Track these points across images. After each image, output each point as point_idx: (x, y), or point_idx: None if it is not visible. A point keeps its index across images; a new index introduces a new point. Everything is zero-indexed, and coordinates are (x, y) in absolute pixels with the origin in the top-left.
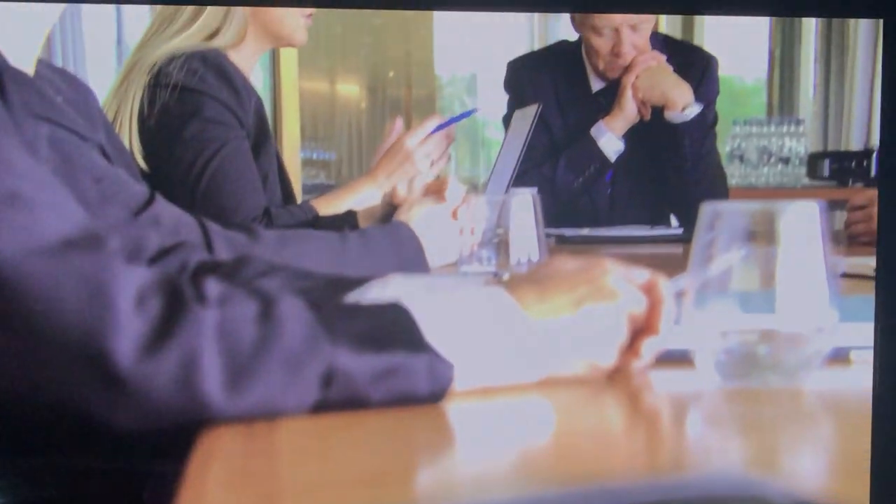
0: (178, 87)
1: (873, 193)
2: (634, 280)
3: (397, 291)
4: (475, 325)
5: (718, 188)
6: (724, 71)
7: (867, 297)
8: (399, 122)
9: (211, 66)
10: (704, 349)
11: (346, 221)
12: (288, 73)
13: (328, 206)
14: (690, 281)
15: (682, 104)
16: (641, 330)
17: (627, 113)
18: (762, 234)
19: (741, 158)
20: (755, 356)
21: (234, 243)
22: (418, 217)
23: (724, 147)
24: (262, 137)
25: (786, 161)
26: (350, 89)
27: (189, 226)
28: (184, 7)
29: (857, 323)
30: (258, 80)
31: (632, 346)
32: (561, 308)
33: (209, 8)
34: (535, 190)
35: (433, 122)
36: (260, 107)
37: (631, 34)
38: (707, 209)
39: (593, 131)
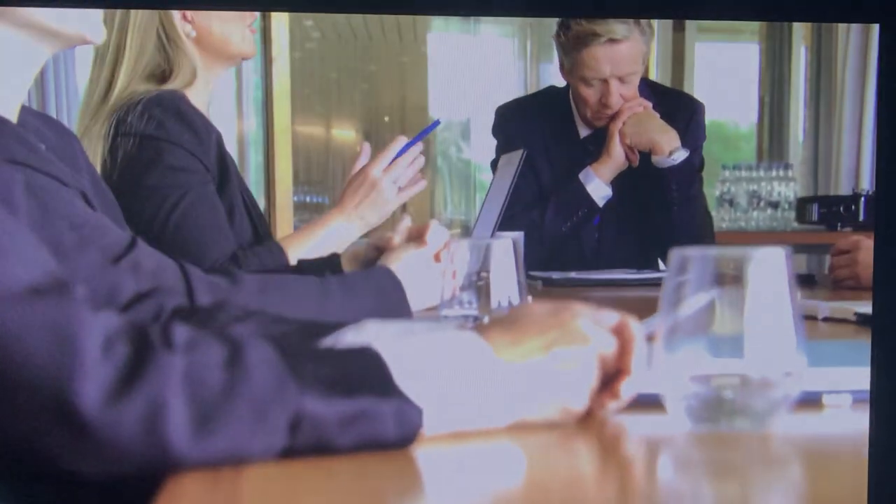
0: (138, 135)
1: (858, 238)
2: (604, 323)
3: (371, 336)
4: (447, 370)
5: (705, 232)
6: (717, 116)
7: (844, 342)
8: (367, 148)
9: (168, 110)
10: (674, 393)
11: (330, 264)
12: (281, 117)
13: (300, 243)
14: (660, 324)
15: (669, 149)
16: (612, 372)
17: (615, 159)
18: (731, 279)
19: (731, 202)
20: (724, 401)
21: (214, 288)
22: (400, 261)
23: (713, 191)
24: (225, 171)
25: (775, 205)
26: (345, 134)
27: (170, 271)
28: (109, 54)
29: (831, 367)
30: (252, 124)
31: (603, 389)
32: (532, 352)
33: (130, 52)
34: (518, 234)
35: (398, 145)
36: (220, 141)
37: (619, 85)
38: (676, 254)
39: (582, 176)
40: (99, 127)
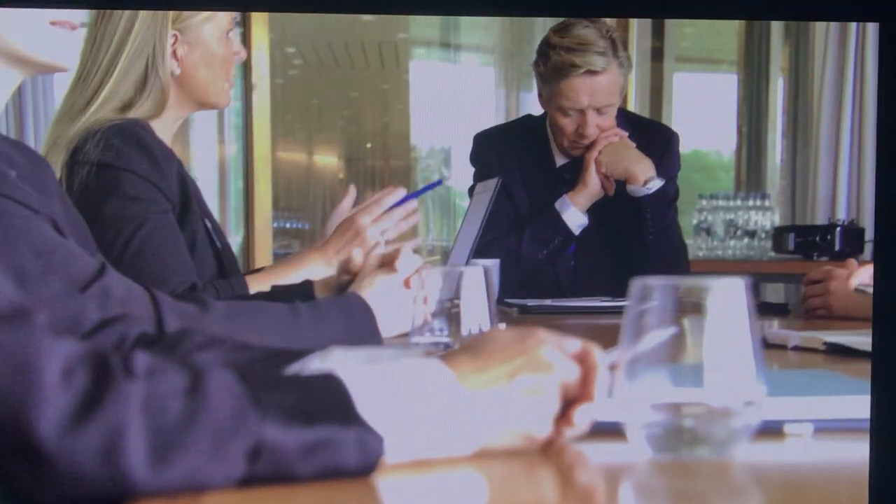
0: (96, 163)
1: (830, 269)
2: (568, 350)
3: (337, 363)
4: (409, 397)
5: (680, 261)
6: (696, 146)
7: (807, 371)
8: (352, 191)
9: (128, 139)
10: (636, 422)
11: (302, 291)
12: (261, 144)
13: (275, 279)
14: (622, 353)
15: (644, 178)
16: (575, 399)
17: (591, 188)
18: (691, 309)
19: (708, 231)
20: (685, 429)
21: (184, 315)
22: (371, 287)
23: (691, 220)
24: (188, 204)
25: (752, 234)
26: (328, 160)
27: (140, 297)
28: (92, 77)
29: (793, 397)
30: (233, 150)
31: (566, 416)
32: (496, 379)
33: (114, 78)
34: (494, 262)
35: (391, 198)
36: (182, 170)
37: (596, 116)
38: (637, 283)
39: (558, 205)
40: (59, 154)
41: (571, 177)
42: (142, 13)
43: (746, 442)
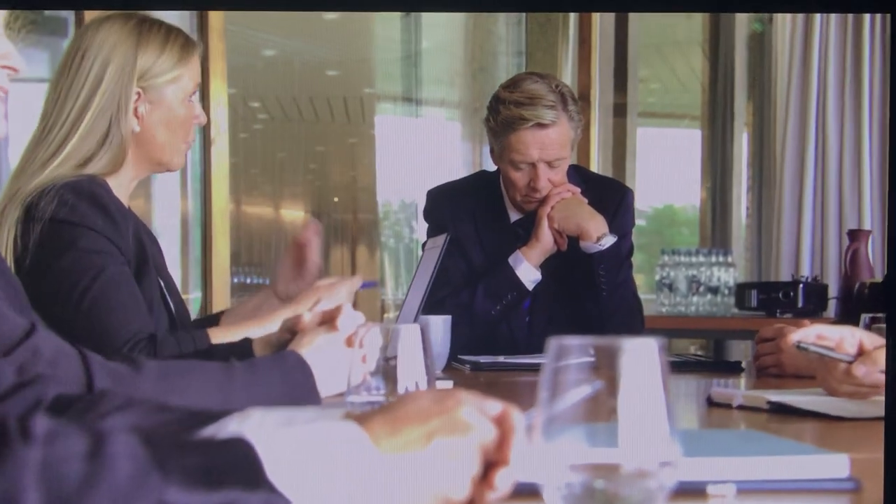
0: (50, 219)
1: (782, 326)
2: (487, 411)
3: (254, 425)
4: (322, 461)
5: (635, 317)
6: (659, 201)
7: (735, 431)
8: (313, 227)
9: (84, 195)
10: (552, 483)
11: (241, 349)
12: (219, 197)
13: (242, 333)
14: (539, 413)
15: (597, 235)
16: (493, 462)
17: (544, 243)
18: (605, 369)
19: (670, 287)
20: (600, 491)
21: (115, 375)
22: (311, 345)
23: (653, 275)
24: (143, 262)
25: (714, 291)
26: (294, 214)
27: (70, 357)
28: (55, 133)
29: (717, 457)
30: (191, 204)
31: (484, 479)
32: (413, 442)
33: (77, 137)
34: (446, 318)
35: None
36: (139, 231)
37: (547, 170)
38: (553, 343)
39: (511, 260)
40: (14, 210)
41: (525, 232)
42: (110, 70)
43: (665, 503)
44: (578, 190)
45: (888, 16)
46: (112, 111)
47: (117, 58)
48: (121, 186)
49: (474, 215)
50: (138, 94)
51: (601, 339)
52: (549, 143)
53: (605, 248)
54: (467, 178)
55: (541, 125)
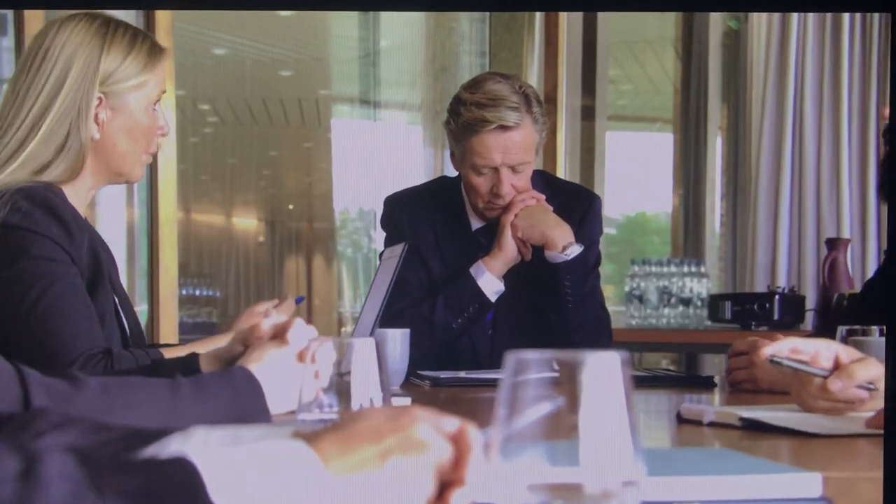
0: (2, 226)
1: (755, 339)
2: (443, 429)
3: (198, 444)
4: (268, 482)
5: (602, 330)
6: (629, 209)
7: (704, 449)
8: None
9: (38, 202)
10: (511, 503)
11: (187, 364)
12: (166, 205)
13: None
14: (497, 431)
15: (562, 244)
16: (449, 482)
17: (507, 252)
18: (566, 384)
19: (640, 299)
20: None
21: (53, 392)
22: (261, 361)
23: (623, 286)
24: (98, 276)
25: (687, 302)
26: (247, 223)
27: (5, 374)
28: (9, 136)
29: (683, 476)
30: (137, 212)
31: (440, 499)
32: (366, 462)
33: (35, 141)
34: (405, 331)
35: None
36: (95, 244)
37: (511, 175)
38: (511, 357)
39: (472, 270)
40: None
41: (487, 241)
42: (72, 73)
43: None
44: (543, 197)
45: (873, 15)
46: (72, 116)
47: (80, 60)
48: (77, 196)
49: (434, 223)
50: (100, 99)
51: (561, 352)
52: (512, 146)
53: (571, 257)
54: (427, 185)
55: (504, 128)
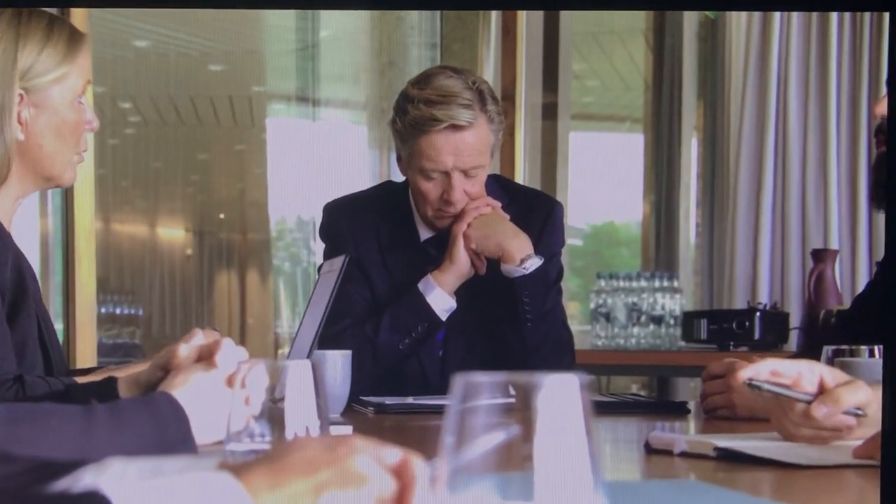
0: None
1: (733, 361)
2: (385, 461)
3: (113, 477)
4: None
5: (564, 352)
6: (595, 218)
7: (673, 482)
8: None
9: None
10: None
11: (104, 389)
12: (83, 215)
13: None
14: (444, 463)
15: (520, 257)
16: None
17: (459, 266)
18: (520, 410)
19: (607, 317)
20: None
21: None
22: (185, 385)
23: (588, 304)
24: (22, 297)
25: (658, 321)
26: (173, 233)
27: None
28: None
29: None
30: (51, 222)
31: None
32: (298, 496)
33: None
34: (346, 353)
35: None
36: (19, 262)
37: (463, 180)
38: (460, 380)
39: (421, 286)
40: None
41: (437, 253)
42: None
43: None
44: (499, 204)
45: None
46: None
47: None
48: (2, 206)
49: (378, 233)
50: (21, 96)
51: (514, 375)
52: (464, 148)
53: (529, 271)
54: (371, 190)
55: (455, 127)
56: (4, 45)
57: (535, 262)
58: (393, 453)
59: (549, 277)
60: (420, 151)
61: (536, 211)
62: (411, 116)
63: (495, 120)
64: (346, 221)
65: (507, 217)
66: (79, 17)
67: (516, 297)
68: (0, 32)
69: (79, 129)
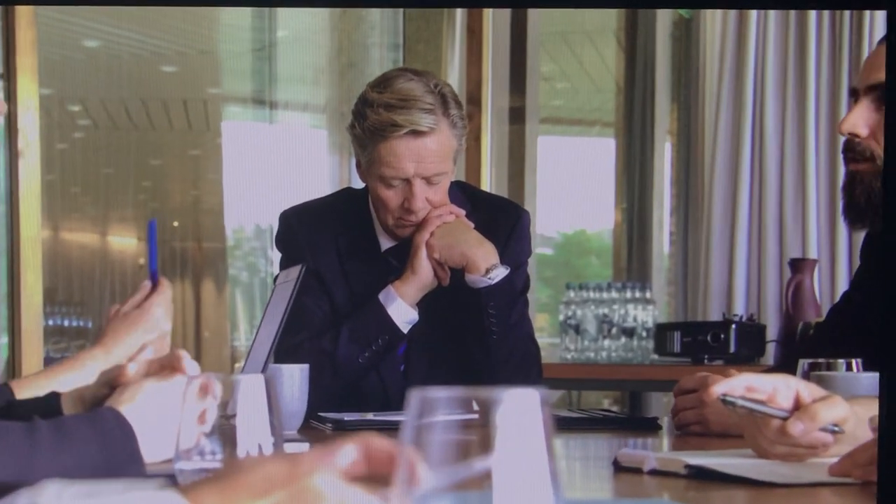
0: None
1: (705, 375)
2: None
3: (50, 499)
4: None
5: (531, 365)
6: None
7: (648, 502)
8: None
9: None
10: None
11: (46, 405)
12: (29, 223)
13: (48, 384)
14: (399, 481)
15: (486, 266)
16: None
17: (421, 276)
18: (478, 427)
19: (577, 329)
20: None
21: None
22: (134, 401)
23: (557, 315)
24: None
25: (630, 333)
26: (124, 241)
27: None
28: None
29: None
30: None
31: None
32: None
33: None
34: (303, 367)
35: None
36: None
37: (425, 187)
38: (415, 395)
39: (381, 297)
40: None
41: (399, 262)
42: None
43: None
44: (463, 212)
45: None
46: None
47: None
48: None
49: (337, 242)
50: None
51: (472, 390)
52: (426, 154)
53: (495, 281)
54: (329, 197)
55: (416, 133)
56: None
57: (500, 272)
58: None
59: (516, 288)
60: (380, 158)
61: (502, 219)
62: (370, 122)
63: (458, 125)
64: (303, 230)
65: (472, 225)
66: (26, 16)
67: (481, 309)
68: None
69: None
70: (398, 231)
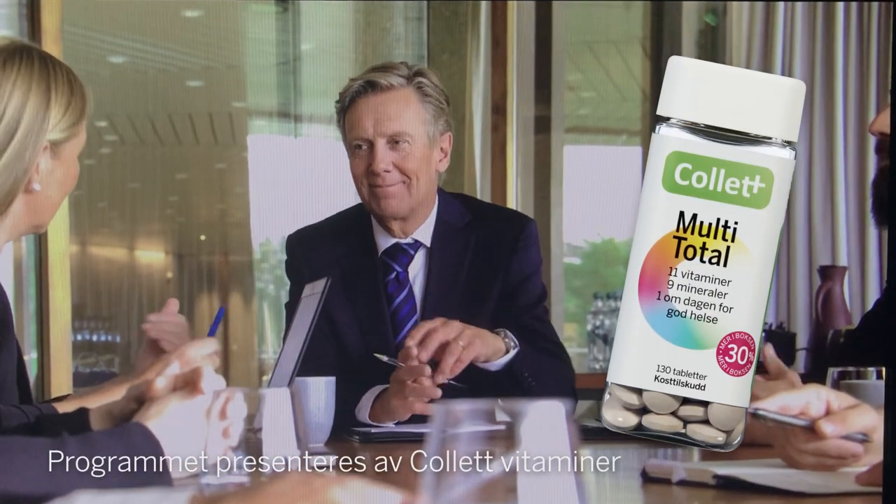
0: None
1: None
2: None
3: None
4: None
5: (566, 383)
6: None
7: None
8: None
9: None
10: None
11: (75, 421)
12: (56, 238)
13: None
14: (425, 493)
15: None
16: None
17: (397, 416)
18: (503, 439)
19: (605, 339)
20: None
21: None
22: (161, 416)
23: (585, 325)
24: (4, 332)
25: None
26: (152, 256)
27: None
28: None
29: None
30: (24, 245)
31: None
32: None
33: None
34: (329, 380)
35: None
36: (3, 304)
37: (388, 151)
38: (439, 409)
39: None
40: None
41: (400, 266)
42: (24, 120)
43: None
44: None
45: (871, 5)
46: (17, 170)
47: (30, 107)
48: None
49: (340, 264)
50: (45, 148)
51: (497, 402)
52: (384, 111)
53: (503, 364)
54: (337, 217)
55: (375, 88)
56: (37, 98)
57: (509, 344)
58: (384, 493)
59: (534, 301)
60: (349, 127)
61: (507, 230)
62: (344, 93)
63: (430, 94)
64: (302, 256)
65: (463, 327)
66: (51, 32)
67: (515, 376)
68: (30, 82)
69: (74, 182)
70: (374, 206)
